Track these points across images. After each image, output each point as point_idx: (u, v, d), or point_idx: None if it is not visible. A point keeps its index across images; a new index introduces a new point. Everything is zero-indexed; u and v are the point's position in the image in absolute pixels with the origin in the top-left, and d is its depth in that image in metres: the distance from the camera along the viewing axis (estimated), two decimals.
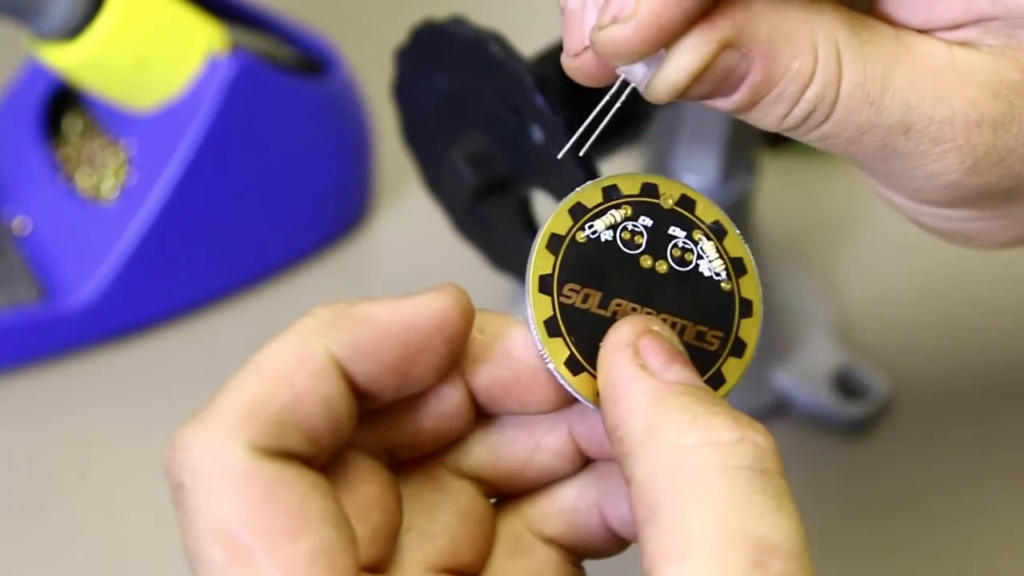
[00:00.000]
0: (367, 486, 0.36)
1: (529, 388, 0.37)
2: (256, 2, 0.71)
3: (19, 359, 0.66)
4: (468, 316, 0.36)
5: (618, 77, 0.38)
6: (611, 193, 0.38)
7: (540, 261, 0.37)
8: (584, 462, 0.39)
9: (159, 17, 0.64)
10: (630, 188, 0.38)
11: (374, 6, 0.84)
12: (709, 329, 0.38)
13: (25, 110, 0.71)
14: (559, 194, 0.44)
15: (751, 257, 0.39)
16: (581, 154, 0.40)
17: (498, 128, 0.51)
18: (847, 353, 0.65)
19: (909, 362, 0.66)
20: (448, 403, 0.37)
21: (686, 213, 0.39)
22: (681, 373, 0.35)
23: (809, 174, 0.73)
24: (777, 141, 0.62)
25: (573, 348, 0.36)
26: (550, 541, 0.39)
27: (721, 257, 0.38)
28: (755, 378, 0.64)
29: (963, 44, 0.38)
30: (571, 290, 0.37)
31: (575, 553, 0.39)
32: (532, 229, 0.53)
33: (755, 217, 0.64)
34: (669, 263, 0.38)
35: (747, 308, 0.38)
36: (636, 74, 0.37)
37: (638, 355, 0.35)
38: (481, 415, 0.38)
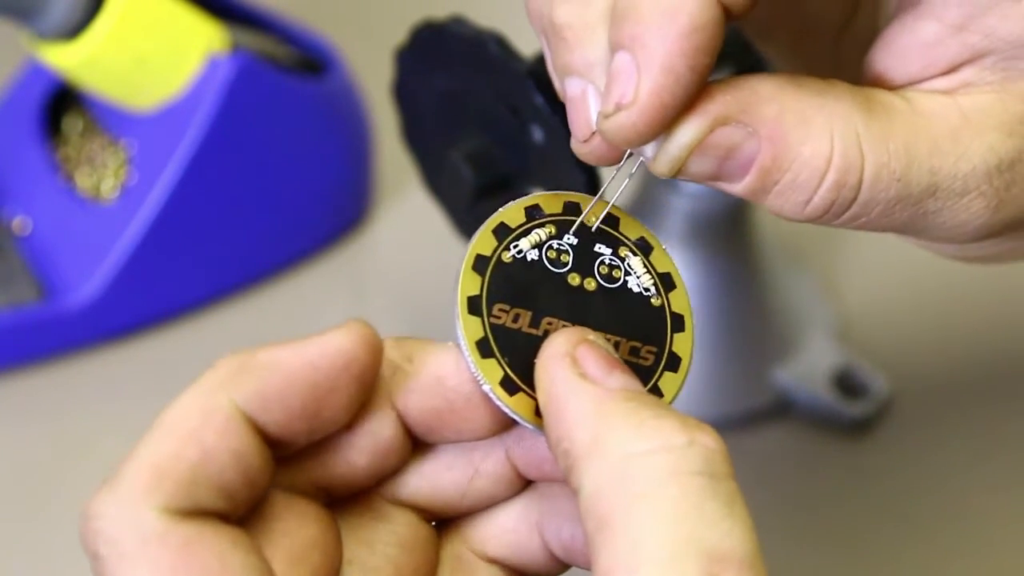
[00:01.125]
0: (303, 529, 0.36)
1: (463, 416, 0.36)
2: (256, 2, 0.71)
3: (19, 359, 0.66)
4: (375, 351, 0.35)
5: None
6: (533, 212, 0.38)
7: (467, 282, 0.37)
8: (523, 484, 0.38)
9: (159, 17, 0.64)
10: (553, 207, 0.38)
11: (374, 6, 0.84)
12: (643, 344, 0.37)
13: (25, 110, 0.71)
14: None
15: (679, 271, 0.38)
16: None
17: (498, 128, 0.51)
18: (847, 353, 0.65)
19: (909, 362, 0.66)
20: (381, 438, 0.37)
21: (610, 230, 0.38)
22: (622, 379, 0.34)
23: None
24: None
25: (507, 368, 0.36)
26: (493, 562, 0.38)
27: (649, 272, 0.38)
28: (755, 378, 0.64)
29: (962, 87, 0.38)
30: (500, 310, 0.36)
31: (519, 573, 0.38)
32: None
33: (755, 217, 0.64)
34: (597, 280, 0.38)
35: (679, 323, 0.38)
36: (646, 151, 0.37)
37: (576, 364, 0.35)
38: (417, 443, 0.38)
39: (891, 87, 0.38)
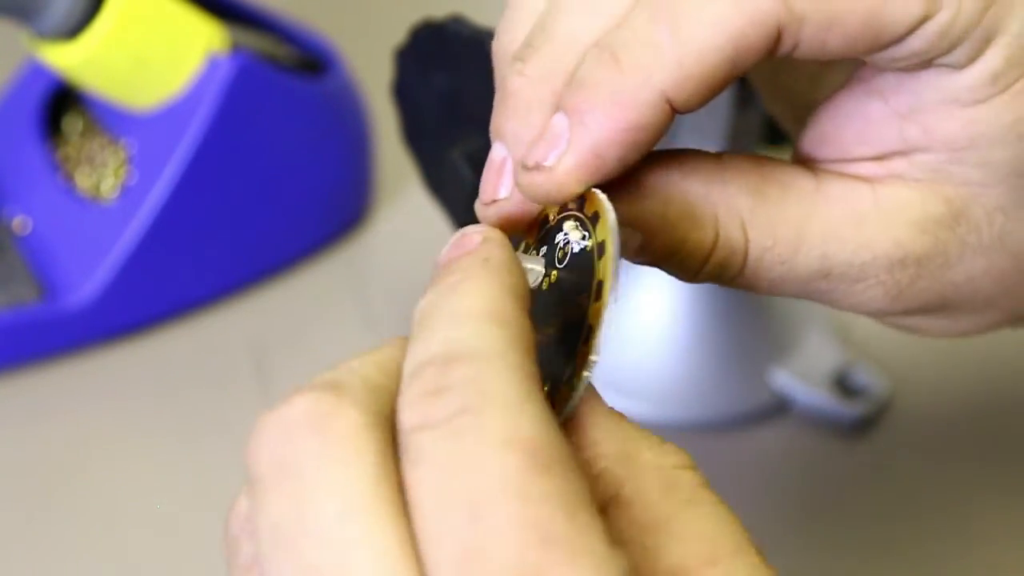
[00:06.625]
0: None
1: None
2: (256, 2, 0.71)
3: (19, 359, 0.66)
4: None
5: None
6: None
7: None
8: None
9: (159, 17, 0.64)
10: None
11: (374, 6, 0.84)
12: (577, 295, 0.36)
13: (25, 110, 0.71)
14: None
15: (616, 241, 0.36)
16: None
17: None
18: (847, 353, 0.65)
19: (909, 362, 0.66)
20: None
21: (573, 211, 0.37)
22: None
23: None
24: (777, 140, 0.62)
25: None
26: None
27: (579, 227, 0.37)
28: (755, 378, 0.64)
29: (888, 178, 0.38)
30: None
31: None
32: None
33: None
34: (557, 269, 0.37)
35: (601, 249, 0.36)
36: (535, 270, 0.37)
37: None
38: None
39: (823, 158, 0.39)
